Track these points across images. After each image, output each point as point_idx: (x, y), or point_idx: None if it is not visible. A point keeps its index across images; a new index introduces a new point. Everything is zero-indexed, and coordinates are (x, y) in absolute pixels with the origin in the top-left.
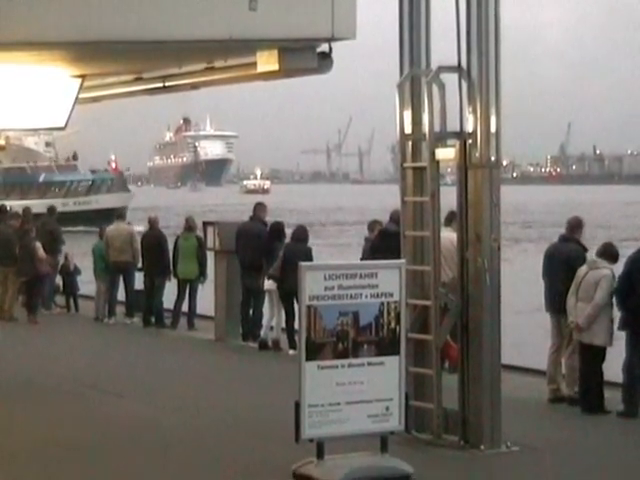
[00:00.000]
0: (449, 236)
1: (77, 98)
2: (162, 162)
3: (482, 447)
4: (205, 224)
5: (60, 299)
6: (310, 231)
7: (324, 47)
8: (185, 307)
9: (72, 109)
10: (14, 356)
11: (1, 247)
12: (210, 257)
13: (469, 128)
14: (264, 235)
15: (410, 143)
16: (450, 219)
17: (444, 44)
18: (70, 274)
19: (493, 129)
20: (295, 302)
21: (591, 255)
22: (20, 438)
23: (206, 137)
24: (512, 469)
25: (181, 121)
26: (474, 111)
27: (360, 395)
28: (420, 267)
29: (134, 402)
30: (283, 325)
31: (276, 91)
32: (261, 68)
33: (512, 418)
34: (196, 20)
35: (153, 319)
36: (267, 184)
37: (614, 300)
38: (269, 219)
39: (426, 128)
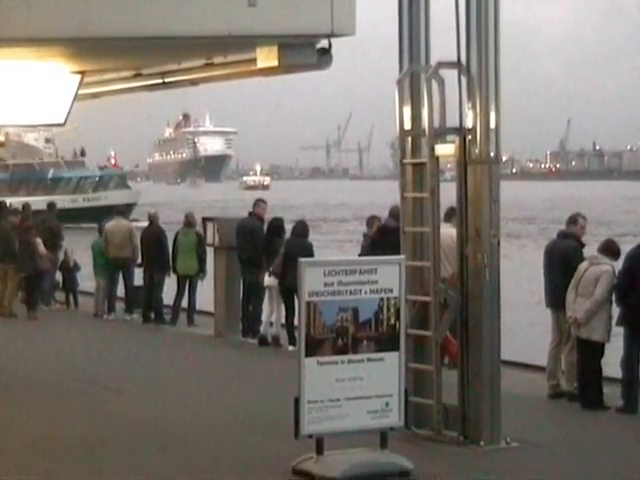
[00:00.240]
0: (449, 232)
1: (77, 94)
2: (161, 158)
3: (482, 443)
4: (204, 220)
5: (60, 295)
6: (310, 226)
7: (324, 43)
8: (185, 303)
9: (71, 105)
10: (13, 352)
11: (1, 243)
12: (210, 253)
13: (469, 124)
14: (259, 231)
15: (410, 139)
16: (450, 215)
17: (443, 40)
18: (70, 270)
19: (493, 125)
20: (296, 298)
21: (590, 251)
22: (19, 435)
23: (205, 133)
24: (512, 465)
25: (180, 117)
26: (473, 107)
27: (360, 391)
28: (420, 263)
29: (133, 398)
30: (283, 321)
31: (275, 87)
32: (261, 64)
33: (512, 414)
34: (195, 16)
35: (153, 315)
36: (267, 180)
37: (613, 296)
38: (271, 215)
39: (425, 124)
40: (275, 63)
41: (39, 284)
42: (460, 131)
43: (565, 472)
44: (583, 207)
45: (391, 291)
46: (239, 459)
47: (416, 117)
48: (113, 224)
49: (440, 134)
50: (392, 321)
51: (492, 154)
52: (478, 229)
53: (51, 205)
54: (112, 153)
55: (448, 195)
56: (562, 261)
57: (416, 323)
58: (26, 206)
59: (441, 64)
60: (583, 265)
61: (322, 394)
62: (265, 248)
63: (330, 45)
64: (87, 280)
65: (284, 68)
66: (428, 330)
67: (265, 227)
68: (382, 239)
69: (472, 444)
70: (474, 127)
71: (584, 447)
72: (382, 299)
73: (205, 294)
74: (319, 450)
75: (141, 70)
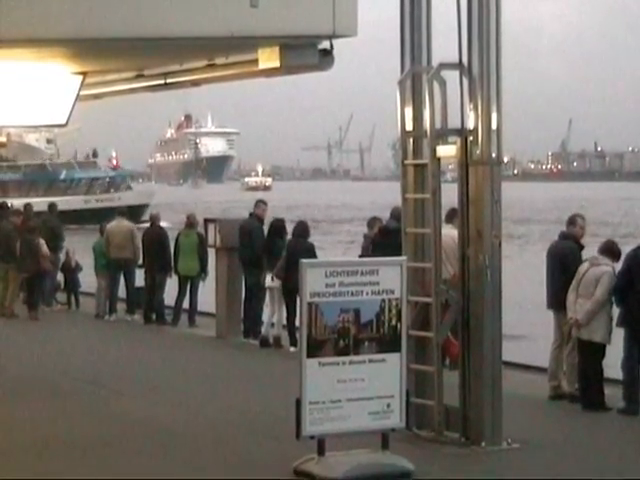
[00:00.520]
0: (450, 233)
1: (78, 95)
2: (163, 159)
3: (483, 444)
4: (206, 221)
5: (61, 296)
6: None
7: (325, 44)
8: (186, 304)
9: (73, 106)
10: (15, 353)
11: (2, 244)
12: (211, 254)
13: (470, 125)
14: (258, 232)
15: (411, 140)
16: (451, 216)
17: (445, 41)
18: (71, 271)
19: (494, 126)
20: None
21: (591, 253)
22: (20, 434)
23: (207, 134)
24: (513, 466)
25: (182, 118)
26: (475, 108)
27: (361, 392)
28: (421, 264)
29: (135, 399)
30: (284, 322)
31: (277, 88)
32: (262, 65)
33: (513, 415)
34: (197, 17)
35: (154, 316)
36: (268, 181)
37: (613, 297)
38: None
39: (427, 125)
40: (277, 64)
41: (40, 285)
42: (461, 132)
43: (566, 473)
44: (586, 208)
45: (392, 292)
46: (240, 460)
47: (418, 118)
48: (114, 225)
49: (441, 135)
50: (393, 322)
51: (493, 155)
52: (479, 230)
53: (52, 206)
54: (113, 154)
55: (449, 196)
56: (560, 262)
57: (417, 324)
58: (28, 207)
59: (443, 65)
60: (583, 266)
61: (323, 395)
62: (266, 249)
63: (332, 46)
64: (88, 281)
65: (286, 69)
66: (429, 331)
67: (266, 228)
68: (383, 240)
69: (473, 445)
70: (475, 128)
71: (585, 448)
72: (383, 300)
73: (206, 295)
74: (320, 451)
75: (143, 71)
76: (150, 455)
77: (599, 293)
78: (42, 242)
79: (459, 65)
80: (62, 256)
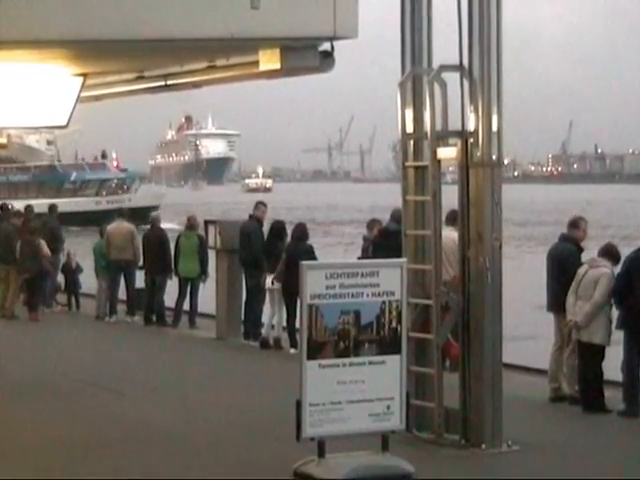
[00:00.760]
0: (451, 235)
1: (79, 96)
2: (164, 160)
3: (483, 446)
4: (207, 223)
5: (62, 297)
6: (315, 230)
7: (326, 46)
8: (186, 305)
9: (74, 107)
10: (15, 354)
11: (3, 245)
12: (211, 255)
13: (471, 127)
14: (256, 233)
15: (412, 142)
16: (451, 218)
17: (446, 43)
18: (72, 272)
19: (494, 128)
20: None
21: (590, 255)
22: (20, 435)
23: (208, 135)
24: (513, 468)
25: (183, 119)
26: (475, 110)
27: (361, 394)
28: (421, 266)
29: (135, 400)
30: (284, 324)
31: (278, 89)
32: (263, 67)
33: (513, 417)
34: (198, 19)
35: (154, 317)
36: (269, 183)
37: (613, 299)
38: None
39: (428, 127)
40: (277, 66)
41: (41, 286)
42: (462, 134)
43: (567, 475)
44: (587, 210)
45: (393, 294)
46: (240, 461)
47: (418, 120)
48: (114, 226)
49: (442, 137)
50: (394, 324)
51: (494, 157)
52: (480, 232)
53: (52, 207)
54: (114, 155)
55: (450, 198)
56: (560, 265)
57: (417, 326)
58: (28, 208)
59: (443, 67)
60: (582, 268)
61: (324, 397)
62: (266, 250)
63: (332, 48)
64: (89, 282)
65: (286, 71)
66: (430, 333)
67: (265, 229)
68: (383, 242)
69: (473, 447)
70: (476, 130)
71: (586, 450)
72: (384, 302)
73: (207, 297)
74: (321, 453)
75: (143, 72)
76: (150, 456)
77: (598, 295)
78: (42, 243)
79: (460, 67)
80: (62, 257)
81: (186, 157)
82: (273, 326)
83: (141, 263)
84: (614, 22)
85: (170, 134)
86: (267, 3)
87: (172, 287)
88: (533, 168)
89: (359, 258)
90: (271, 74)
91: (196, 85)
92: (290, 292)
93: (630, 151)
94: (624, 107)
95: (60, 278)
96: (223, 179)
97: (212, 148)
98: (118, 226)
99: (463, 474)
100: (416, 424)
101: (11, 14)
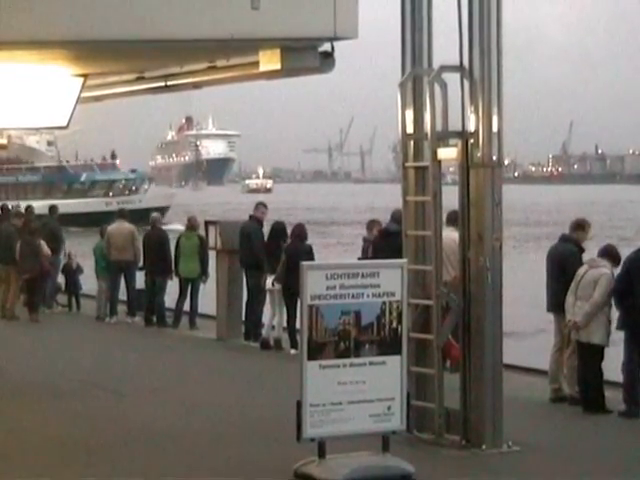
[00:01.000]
0: (451, 235)
1: (79, 97)
2: (164, 161)
3: (484, 447)
4: (207, 223)
5: (62, 298)
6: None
7: (326, 46)
8: (187, 306)
9: (74, 108)
10: (15, 355)
11: (3, 245)
12: (212, 256)
13: (471, 127)
14: (256, 234)
15: (412, 142)
16: (452, 218)
17: (446, 43)
18: (73, 273)
19: (495, 128)
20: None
21: (589, 256)
22: (20, 436)
23: (208, 136)
24: (513, 469)
25: (183, 120)
26: (476, 110)
27: (362, 394)
28: (422, 267)
29: (135, 401)
30: (284, 324)
31: (278, 90)
32: (263, 67)
33: (514, 418)
34: (198, 19)
35: (154, 318)
36: (269, 183)
37: (612, 300)
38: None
39: (428, 127)
40: (278, 66)
41: (41, 287)
42: (462, 135)
43: (567, 476)
44: (588, 211)
45: (393, 295)
46: (241, 462)
47: (418, 120)
48: (115, 227)
49: (442, 137)
50: (394, 325)
51: (494, 157)
52: (480, 233)
53: (52, 208)
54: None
55: (450, 199)
56: (560, 265)
57: (418, 326)
58: (29, 209)
59: (444, 67)
60: (582, 269)
61: (324, 397)
62: (267, 251)
63: (333, 48)
64: (89, 283)
65: (287, 71)
66: (430, 334)
67: (265, 230)
68: (383, 243)
69: (474, 448)
70: (476, 130)
71: (586, 451)
72: (384, 303)
73: (207, 297)
74: (321, 453)
75: (144, 73)
76: (151, 456)
77: (597, 295)
78: (43, 243)
79: (460, 67)
80: (63, 258)
81: (186, 158)
82: (273, 327)
83: (141, 264)
84: (615, 23)
85: (170, 135)
86: (267, 3)
87: (172, 288)
88: (534, 168)
89: (359, 259)
90: (271, 75)
91: (196, 86)
92: (290, 292)
93: (630, 152)
94: (624, 107)
95: (60, 279)
96: (223, 180)
97: (212, 149)
98: (119, 227)
99: (463, 475)
100: (417, 425)
101: (11, 15)
